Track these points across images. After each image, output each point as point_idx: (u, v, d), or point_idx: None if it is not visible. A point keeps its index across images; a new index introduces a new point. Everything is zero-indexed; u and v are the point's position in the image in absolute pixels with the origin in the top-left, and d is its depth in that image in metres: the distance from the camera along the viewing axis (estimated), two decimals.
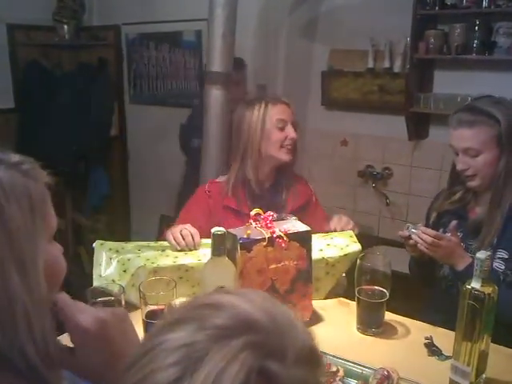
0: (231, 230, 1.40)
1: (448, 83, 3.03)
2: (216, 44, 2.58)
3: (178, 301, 1.20)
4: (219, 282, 1.22)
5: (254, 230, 1.40)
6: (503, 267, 1.61)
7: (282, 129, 1.86)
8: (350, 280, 1.72)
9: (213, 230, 1.23)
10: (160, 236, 1.87)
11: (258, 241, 1.38)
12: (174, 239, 1.65)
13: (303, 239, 1.45)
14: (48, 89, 4.12)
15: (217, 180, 2.02)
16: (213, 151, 2.63)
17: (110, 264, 1.59)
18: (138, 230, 4.34)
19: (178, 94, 4.08)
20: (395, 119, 3.23)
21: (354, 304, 1.57)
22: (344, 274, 1.72)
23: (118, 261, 1.59)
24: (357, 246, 1.67)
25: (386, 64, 3.17)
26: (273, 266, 1.40)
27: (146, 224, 4.04)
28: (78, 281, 1.69)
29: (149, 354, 0.51)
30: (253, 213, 1.44)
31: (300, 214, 1.77)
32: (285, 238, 1.40)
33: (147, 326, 1.24)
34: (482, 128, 1.62)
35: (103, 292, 1.27)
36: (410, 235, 1.62)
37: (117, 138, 4.44)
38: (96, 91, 4.25)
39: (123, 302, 1.27)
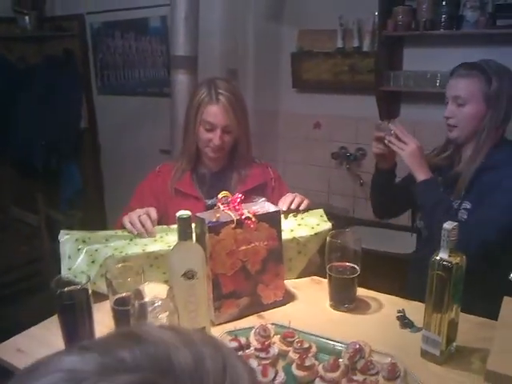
0: (199, 214, 1.38)
1: (417, 60, 3.02)
2: (179, 27, 2.54)
3: (147, 286, 1.17)
4: (187, 267, 1.20)
5: (222, 212, 1.38)
6: (465, 217, 1.68)
7: (209, 130, 1.82)
8: (323, 258, 1.71)
9: (178, 214, 1.20)
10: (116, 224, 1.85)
11: (227, 223, 1.35)
12: (132, 224, 1.62)
13: (272, 220, 1.42)
14: (13, 83, 4.03)
15: (169, 162, 2.02)
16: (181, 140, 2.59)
17: (77, 255, 1.54)
18: (114, 224, 4.28)
19: (147, 82, 4.01)
20: (366, 99, 3.20)
21: (326, 282, 1.56)
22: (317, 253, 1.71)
23: (85, 251, 1.55)
24: (327, 225, 1.66)
25: (356, 43, 3.16)
26: (243, 248, 1.38)
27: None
28: (55, 276, 1.66)
29: (30, 370, 0.44)
30: (220, 195, 1.41)
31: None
32: (253, 220, 1.38)
33: (117, 313, 1.21)
34: (474, 80, 1.71)
35: (69, 282, 1.24)
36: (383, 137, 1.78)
37: (87, 130, 4.36)
38: (63, 84, 4.17)
39: (90, 291, 1.24)
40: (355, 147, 3.42)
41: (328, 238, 1.45)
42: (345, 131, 3.44)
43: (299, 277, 1.67)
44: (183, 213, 1.20)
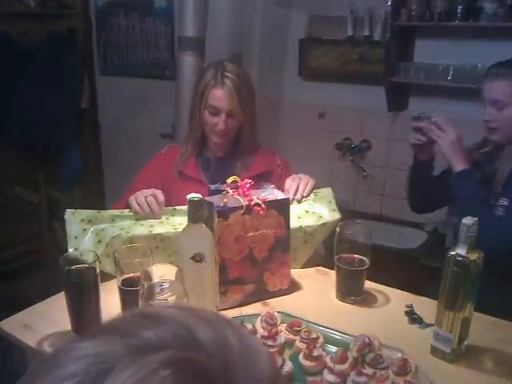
0: (208, 198, 1.35)
1: (430, 52, 2.95)
2: (188, 6, 2.46)
3: (155, 267, 1.14)
4: (196, 250, 1.16)
5: (231, 197, 1.34)
6: (502, 214, 1.65)
7: (213, 115, 1.79)
8: (328, 249, 1.67)
9: (189, 197, 1.16)
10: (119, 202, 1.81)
11: (236, 208, 1.31)
12: (139, 205, 1.58)
13: (281, 207, 1.39)
14: (14, 59, 3.96)
15: (175, 145, 1.99)
16: (187, 124, 2.53)
17: (83, 236, 1.51)
18: (114, 203, 4.23)
19: (150, 64, 3.94)
20: (375, 90, 3.15)
21: (332, 273, 1.52)
22: (322, 243, 1.67)
23: (92, 231, 1.52)
24: (336, 215, 1.62)
25: (366, 32, 3.09)
26: (250, 234, 1.34)
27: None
28: (54, 255, 1.62)
29: (49, 361, 0.41)
30: (229, 180, 1.37)
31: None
32: (263, 206, 1.34)
33: (124, 293, 1.18)
34: None
35: (77, 260, 1.20)
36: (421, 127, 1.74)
37: (88, 111, 4.30)
38: (65, 62, 4.10)
39: (97, 270, 1.20)
40: (360, 139, 3.36)
41: (338, 229, 1.41)
42: (350, 122, 3.38)
43: (304, 267, 1.63)
44: (194, 195, 1.16)
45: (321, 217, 1.61)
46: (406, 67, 2.94)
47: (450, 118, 2.92)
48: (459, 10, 2.65)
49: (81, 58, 4.17)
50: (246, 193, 1.35)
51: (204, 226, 1.20)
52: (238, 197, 1.33)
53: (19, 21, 4.09)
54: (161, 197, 1.61)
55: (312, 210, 1.62)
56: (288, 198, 1.41)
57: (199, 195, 1.18)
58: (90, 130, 4.38)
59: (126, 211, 1.59)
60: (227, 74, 1.76)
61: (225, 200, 1.35)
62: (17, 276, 3.09)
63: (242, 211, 1.31)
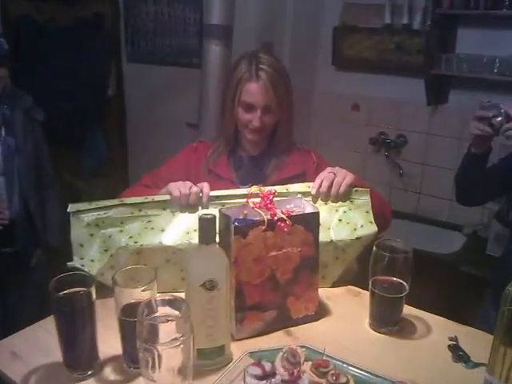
0: (224, 211, 1.18)
1: (473, 43, 2.75)
2: None
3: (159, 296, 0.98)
4: (207, 276, 1.00)
5: (252, 210, 1.18)
6: None
7: (248, 111, 1.64)
8: (361, 264, 1.50)
9: (200, 214, 1.01)
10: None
11: (256, 224, 1.14)
12: (180, 194, 1.43)
13: (309, 222, 1.21)
14: (41, 46, 3.87)
15: (207, 141, 1.84)
16: (212, 115, 2.38)
17: (90, 243, 1.37)
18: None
19: (178, 52, 3.80)
20: (413, 81, 2.96)
21: (365, 293, 1.35)
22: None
23: (99, 237, 1.38)
24: (372, 228, 1.44)
25: (405, 20, 2.90)
26: (273, 254, 1.17)
27: None
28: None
29: None
30: (251, 190, 1.21)
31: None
32: (287, 222, 1.17)
33: (124, 324, 1.03)
34: None
35: (71, 281, 1.06)
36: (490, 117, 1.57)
37: (114, 98, 4.20)
38: (92, 48, 4.01)
39: (94, 296, 1.05)
40: (396, 133, 3.18)
41: (374, 249, 1.23)
42: (386, 115, 3.20)
43: (334, 286, 1.46)
44: (207, 213, 1.00)
45: (355, 229, 1.43)
46: (448, 58, 2.73)
47: None
48: None
49: (108, 44, 4.06)
50: (269, 205, 1.19)
51: (217, 246, 1.04)
52: (259, 210, 1.17)
53: (46, 6, 4.02)
54: (207, 188, 1.46)
55: (346, 220, 1.45)
56: (317, 212, 1.23)
57: (212, 213, 1.02)
58: (115, 118, 4.27)
59: (139, 201, 1.42)
60: (262, 66, 1.61)
61: (245, 212, 1.19)
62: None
63: (264, 227, 1.15)
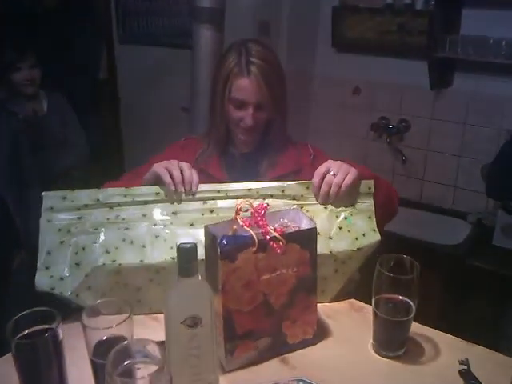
0: (210, 228, 1.06)
1: (478, 23, 2.60)
2: None
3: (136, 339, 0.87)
4: (189, 312, 0.89)
5: (241, 229, 1.06)
6: None
7: (239, 108, 1.52)
8: (363, 273, 1.40)
9: (179, 243, 0.89)
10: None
11: (245, 246, 1.03)
12: (172, 177, 1.33)
13: (306, 240, 1.09)
14: (26, 28, 3.72)
15: (195, 136, 1.73)
16: (202, 104, 2.25)
17: (58, 252, 1.25)
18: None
19: (171, 32, 3.67)
20: (415, 64, 2.83)
21: (368, 308, 1.25)
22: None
23: (70, 245, 1.25)
24: (375, 237, 1.32)
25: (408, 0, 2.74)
26: (265, 277, 1.06)
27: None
28: None
29: None
30: (240, 204, 1.09)
31: None
32: (281, 243, 1.06)
33: (96, 366, 0.91)
34: None
35: (34, 319, 0.93)
36: None
37: (106, 81, 4.06)
38: (82, 30, 3.86)
39: (61, 336, 0.92)
40: (398, 118, 3.06)
41: (378, 266, 1.12)
42: (387, 99, 3.08)
43: (334, 300, 1.35)
44: (186, 242, 0.88)
45: (357, 238, 1.32)
46: (453, 40, 2.59)
47: (500, 96, 2.61)
48: None
49: (98, 25, 3.92)
50: (261, 222, 1.07)
51: (199, 278, 0.92)
52: (248, 228, 1.05)
53: None
54: (195, 176, 1.36)
55: (347, 228, 1.33)
56: (314, 228, 1.11)
57: (192, 241, 0.90)
58: (108, 102, 4.14)
59: (116, 200, 1.30)
60: (253, 59, 1.48)
61: (234, 227, 1.07)
62: None
63: (255, 248, 1.04)
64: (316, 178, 1.35)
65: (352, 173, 1.34)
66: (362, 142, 3.20)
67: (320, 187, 1.35)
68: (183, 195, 1.34)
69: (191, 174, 1.36)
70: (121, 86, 4.10)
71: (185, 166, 1.36)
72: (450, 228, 2.82)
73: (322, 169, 1.36)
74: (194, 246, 0.89)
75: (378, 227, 1.37)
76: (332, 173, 1.34)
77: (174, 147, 1.69)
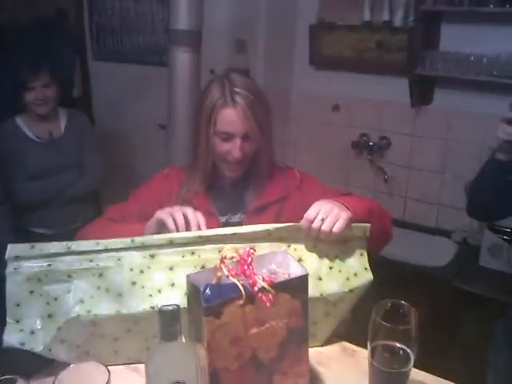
0: (192, 278, 0.98)
1: (458, 40, 2.59)
2: None
3: None
4: (172, 378, 0.82)
5: (226, 278, 0.98)
6: None
7: (225, 140, 1.46)
8: (355, 312, 1.33)
9: (160, 305, 0.81)
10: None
11: (232, 299, 0.95)
12: (175, 222, 1.28)
13: (296, 289, 1.02)
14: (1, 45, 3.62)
15: (178, 166, 1.69)
16: (179, 129, 2.19)
17: (28, 303, 1.16)
18: (107, 199, 3.95)
19: (146, 49, 3.61)
20: (395, 81, 2.81)
21: (361, 351, 1.19)
22: None
23: (41, 296, 1.17)
24: (367, 277, 1.26)
25: (386, 16, 2.72)
26: (253, 331, 0.98)
27: (116, 192, 3.65)
28: None
29: None
30: (224, 252, 1.01)
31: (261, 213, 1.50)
32: (270, 295, 0.98)
33: None
34: None
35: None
36: None
37: (80, 99, 3.98)
38: (55, 47, 3.76)
39: None
40: (379, 135, 3.02)
41: (373, 315, 1.05)
42: (368, 116, 3.04)
43: (325, 344, 1.29)
44: (167, 305, 0.81)
45: (348, 279, 1.25)
46: (433, 57, 2.57)
47: (482, 113, 2.58)
48: None
49: (72, 42, 3.83)
50: (248, 272, 1.00)
51: (183, 340, 0.84)
52: (234, 279, 0.97)
53: (6, 2, 3.75)
54: (201, 217, 1.31)
55: (338, 268, 1.26)
56: (306, 275, 1.04)
57: (175, 301, 0.82)
58: None
59: (102, 243, 1.22)
60: (237, 89, 1.43)
61: (218, 274, 0.99)
62: None
63: (242, 302, 0.96)
64: (305, 223, 1.26)
65: (342, 219, 1.24)
66: (343, 160, 3.15)
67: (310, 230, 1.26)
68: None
69: (196, 216, 1.30)
70: (95, 103, 4.02)
71: (188, 209, 1.31)
72: (435, 247, 2.78)
73: (311, 213, 1.26)
74: (177, 309, 0.81)
75: (373, 253, 1.33)
76: (321, 218, 1.25)
77: (157, 177, 1.63)
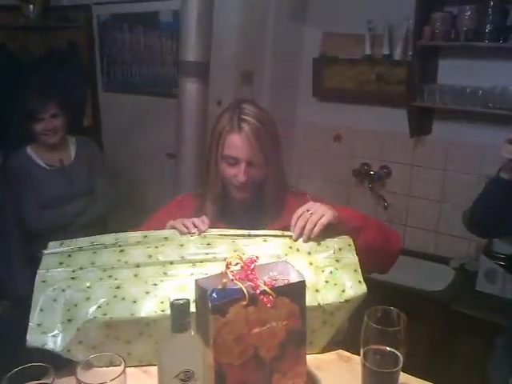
0: (200, 282, 1.07)
1: (455, 73, 2.71)
2: (190, 29, 2.22)
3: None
4: (182, 366, 0.90)
5: (231, 282, 1.07)
6: None
7: (232, 165, 1.54)
8: (351, 322, 1.41)
9: (172, 299, 0.91)
10: None
11: (236, 300, 1.04)
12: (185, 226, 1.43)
13: (295, 293, 1.11)
14: (13, 75, 3.76)
15: (193, 193, 1.75)
16: (188, 156, 2.30)
17: (51, 309, 1.27)
18: (115, 227, 4.02)
19: (155, 81, 3.74)
20: (395, 112, 2.91)
21: (356, 358, 1.26)
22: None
23: (63, 303, 1.27)
24: (362, 289, 1.34)
25: (386, 50, 2.85)
26: (256, 331, 1.07)
27: (124, 222, 3.73)
28: None
29: None
30: (229, 259, 1.10)
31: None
32: (271, 297, 1.07)
33: None
34: None
35: (30, 373, 0.93)
36: None
37: (90, 128, 4.09)
38: (66, 78, 3.91)
39: None
40: (379, 165, 3.12)
41: (365, 320, 1.14)
42: (368, 147, 3.14)
43: (323, 351, 1.36)
44: (179, 298, 0.90)
45: (343, 291, 1.34)
46: (431, 89, 2.68)
47: (478, 143, 2.69)
48: (488, 30, 2.39)
49: (83, 73, 4.00)
50: (251, 276, 1.09)
51: (192, 333, 0.93)
52: (238, 282, 1.06)
53: (20, 33, 3.92)
54: (206, 219, 1.46)
55: (334, 282, 1.35)
56: (303, 281, 1.13)
57: (186, 297, 0.91)
58: None
59: (107, 260, 1.35)
60: (245, 117, 1.51)
61: (224, 280, 1.08)
62: None
63: (245, 302, 1.05)
64: (294, 216, 1.42)
65: (328, 214, 1.39)
66: (345, 188, 3.24)
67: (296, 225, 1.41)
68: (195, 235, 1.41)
69: (202, 219, 1.44)
70: (105, 133, 4.13)
71: (196, 219, 1.44)
72: (433, 273, 2.85)
73: (301, 208, 1.42)
74: (187, 302, 0.90)
75: (377, 266, 1.48)
76: (310, 212, 1.40)
77: (172, 204, 1.71)
